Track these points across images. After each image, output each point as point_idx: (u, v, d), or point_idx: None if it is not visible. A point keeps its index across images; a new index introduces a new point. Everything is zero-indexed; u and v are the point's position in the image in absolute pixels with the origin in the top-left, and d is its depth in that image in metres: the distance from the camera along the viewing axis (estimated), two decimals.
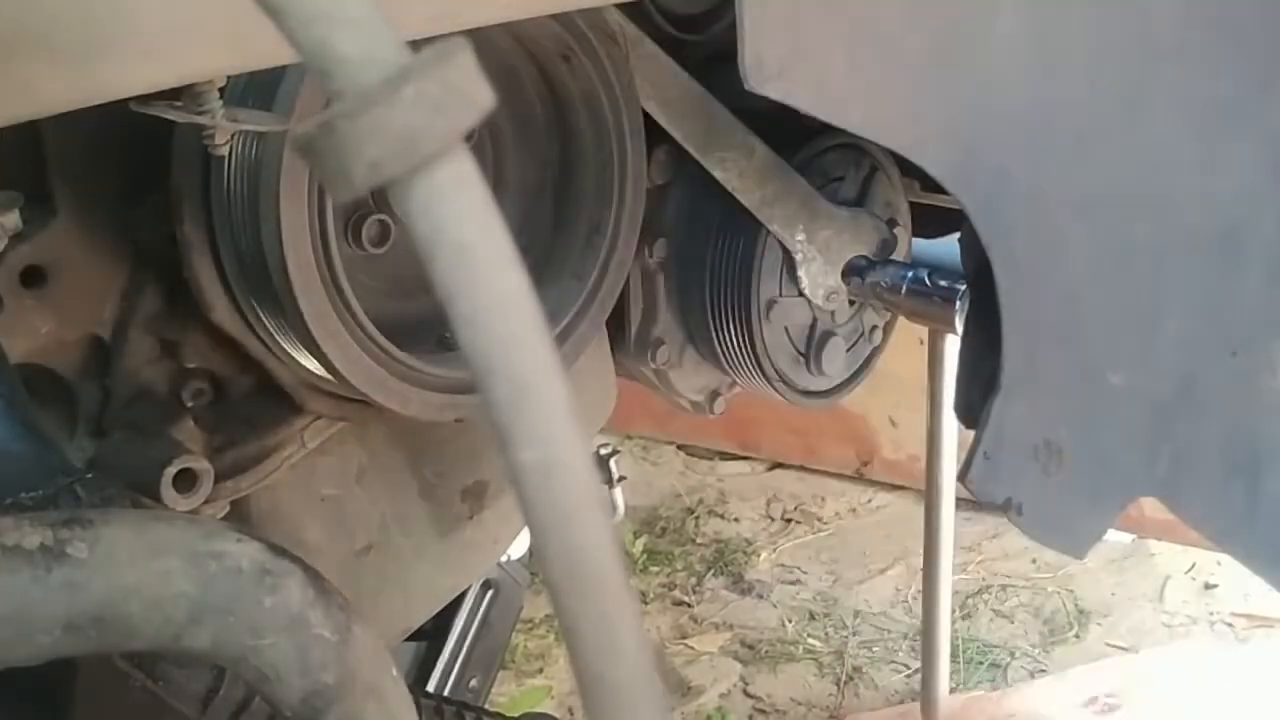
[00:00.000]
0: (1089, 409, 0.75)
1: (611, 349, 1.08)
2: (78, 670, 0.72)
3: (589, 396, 1.04)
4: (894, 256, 1.07)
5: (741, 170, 1.02)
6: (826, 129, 0.81)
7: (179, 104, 0.62)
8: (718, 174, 1.02)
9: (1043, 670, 2.32)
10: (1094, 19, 0.70)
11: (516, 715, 1.18)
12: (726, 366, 1.12)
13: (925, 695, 1.88)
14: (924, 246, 1.14)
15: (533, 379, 0.42)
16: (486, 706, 1.52)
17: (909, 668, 2.36)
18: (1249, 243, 0.70)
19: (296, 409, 0.85)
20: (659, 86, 0.95)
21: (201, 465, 0.78)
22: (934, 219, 1.11)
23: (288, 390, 0.84)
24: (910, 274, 1.00)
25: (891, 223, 1.08)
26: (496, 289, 0.42)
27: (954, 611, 2.16)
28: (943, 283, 0.97)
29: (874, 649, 2.47)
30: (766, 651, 2.50)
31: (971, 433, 0.89)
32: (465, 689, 1.52)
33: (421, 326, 0.88)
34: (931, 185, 0.77)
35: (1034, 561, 2.61)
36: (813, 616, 2.58)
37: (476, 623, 1.54)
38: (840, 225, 1.08)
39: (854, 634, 2.51)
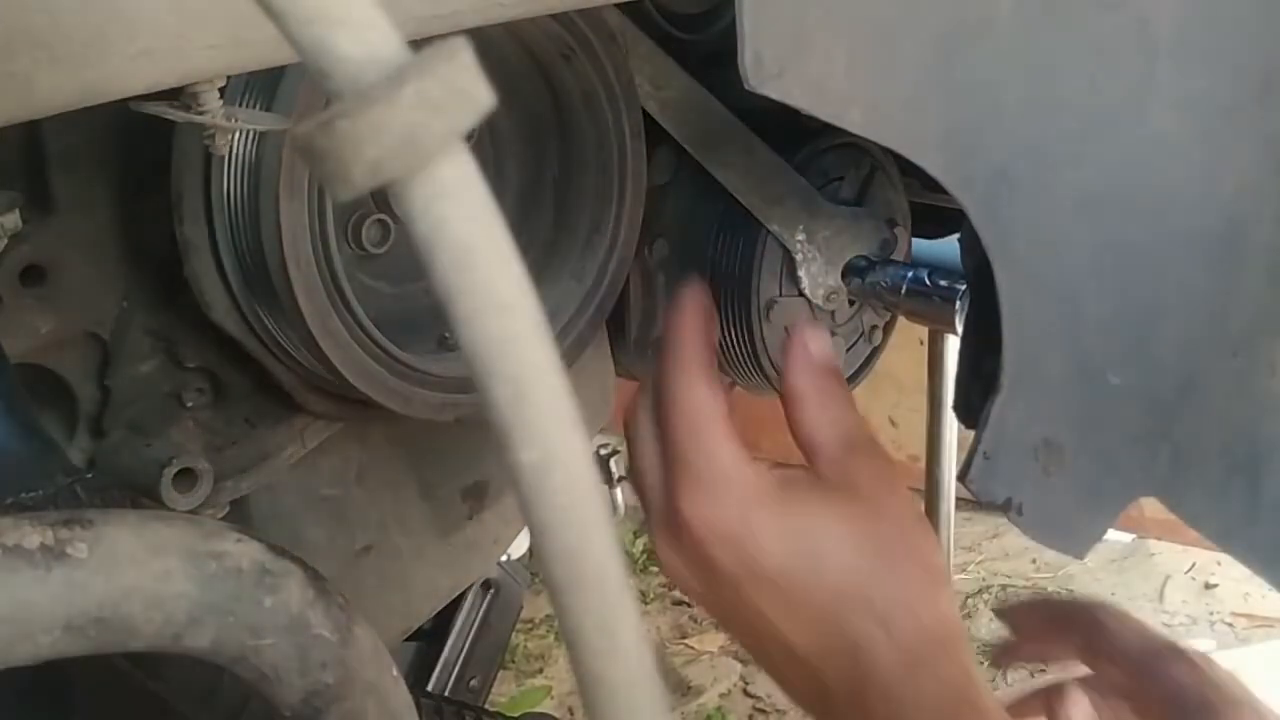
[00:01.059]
0: (1089, 409, 0.75)
1: (611, 349, 1.08)
2: (78, 670, 0.72)
3: (589, 396, 1.04)
4: (894, 256, 1.06)
5: (742, 170, 1.02)
6: (827, 129, 0.81)
7: (178, 103, 0.62)
8: (718, 174, 1.02)
9: (1043, 670, 2.31)
10: (1094, 18, 0.70)
11: (516, 715, 1.18)
12: (726, 366, 1.12)
13: None
14: (924, 246, 1.13)
15: (533, 379, 0.42)
16: (486, 706, 1.52)
17: None
18: (1249, 243, 0.70)
19: (296, 409, 0.85)
20: (659, 87, 0.95)
21: (201, 465, 0.78)
22: (934, 219, 1.10)
23: (288, 390, 0.83)
24: (910, 274, 1.00)
25: (891, 223, 1.08)
26: (497, 289, 0.42)
27: None
28: (943, 283, 0.97)
29: None
30: None
31: (971, 433, 0.88)
32: (465, 689, 1.52)
33: (422, 326, 0.88)
34: (932, 185, 0.77)
35: (1034, 561, 2.61)
36: None
37: (476, 622, 1.54)
38: (840, 225, 1.08)
39: None
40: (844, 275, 1.10)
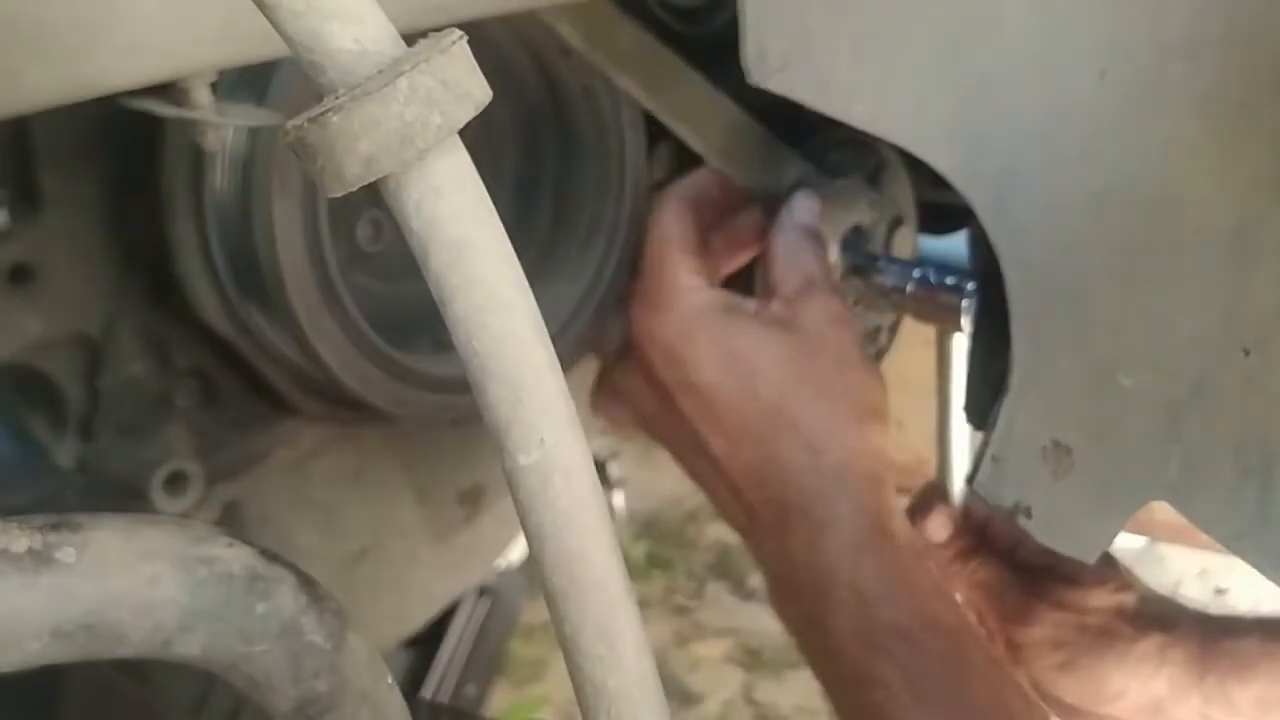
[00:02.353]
0: (1099, 410, 0.74)
1: None
2: (68, 677, 0.72)
3: (588, 398, 1.03)
4: (901, 255, 1.05)
5: (744, 162, 1.01)
6: (831, 124, 0.80)
7: (168, 99, 0.61)
8: (722, 166, 1.01)
9: None
10: (1104, 13, 0.69)
11: None
12: None
13: None
14: (931, 244, 1.12)
15: (530, 380, 0.42)
16: (484, 714, 1.52)
17: None
18: (1261, 240, 0.68)
19: (289, 411, 0.85)
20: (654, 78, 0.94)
21: (192, 468, 0.77)
22: (942, 215, 1.10)
23: (280, 392, 0.83)
24: (915, 272, 0.99)
25: (898, 220, 1.07)
26: (493, 288, 0.42)
27: None
28: (949, 281, 0.96)
29: None
30: (769, 658, 2.48)
31: (977, 434, 0.88)
32: (462, 696, 1.51)
33: (417, 326, 0.87)
34: (939, 181, 0.76)
35: None
36: None
37: (473, 629, 1.54)
38: (839, 200, 1.06)
39: None
40: (846, 275, 1.08)
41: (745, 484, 0.82)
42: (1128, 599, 0.98)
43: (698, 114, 0.93)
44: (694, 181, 0.90)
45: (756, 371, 0.83)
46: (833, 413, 0.83)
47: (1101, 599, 0.97)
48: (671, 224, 0.87)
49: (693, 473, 0.87)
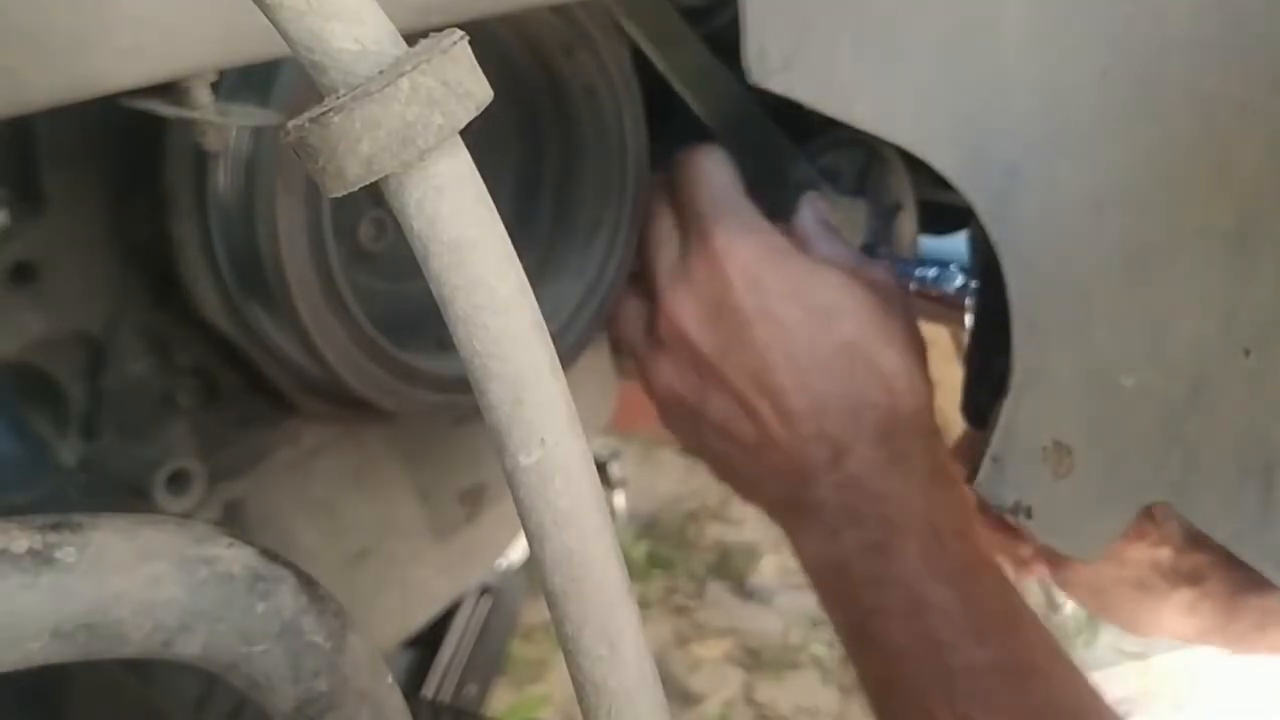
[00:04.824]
0: (1100, 410, 0.74)
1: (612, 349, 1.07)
2: (72, 676, 0.72)
3: (589, 397, 1.03)
4: (900, 241, 1.06)
5: (755, 156, 1.01)
6: (829, 123, 0.80)
7: (170, 99, 0.61)
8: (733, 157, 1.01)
9: None
10: (1104, 12, 0.69)
11: None
12: None
13: None
14: (931, 244, 1.13)
15: (531, 380, 0.42)
16: (484, 714, 1.52)
17: None
18: (1261, 240, 0.69)
19: (291, 410, 0.84)
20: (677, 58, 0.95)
21: (195, 466, 0.77)
22: (942, 215, 1.10)
23: (282, 391, 0.82)
24: (918, 271, 0.99)
25: (895, 206, 1.07)
26: (493, 288, 0.42)
27: None
28: (951, 281, 0.96)
29: None
30: (770, 658, 2.48)
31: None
32: (463, 696, 1.51)
33: (419, 325, 0.87)
34: (940, 181, 0.76)
35: None
36: (816, 623, 2.57)
37: (474, 629, 1.54)
38: (843, 214, 1.07)
39: None
40: None
41: (806, 415, 0.84)
42: (1163, 554, 1.01)
43: (700, 79, 0.93)
44: (719, 151, 0.92)
45: (837, 310, 0.86)
46: (910, 363, 0.87)
47: (1139, 552, 1.00)
48: (723, 171, 0.91)
49: (738, 416, 0.88)
